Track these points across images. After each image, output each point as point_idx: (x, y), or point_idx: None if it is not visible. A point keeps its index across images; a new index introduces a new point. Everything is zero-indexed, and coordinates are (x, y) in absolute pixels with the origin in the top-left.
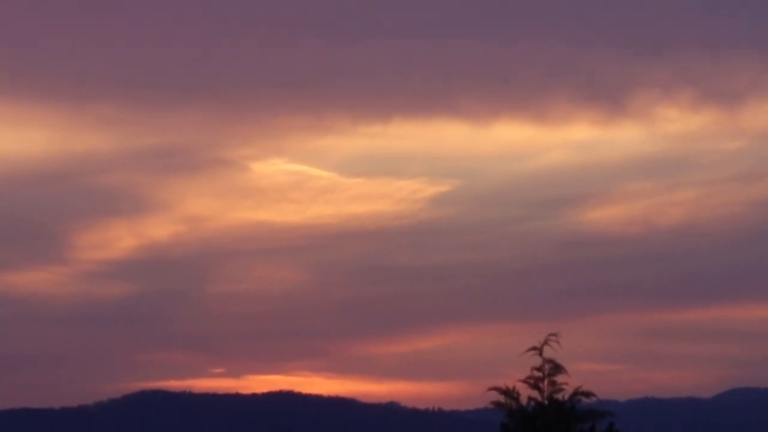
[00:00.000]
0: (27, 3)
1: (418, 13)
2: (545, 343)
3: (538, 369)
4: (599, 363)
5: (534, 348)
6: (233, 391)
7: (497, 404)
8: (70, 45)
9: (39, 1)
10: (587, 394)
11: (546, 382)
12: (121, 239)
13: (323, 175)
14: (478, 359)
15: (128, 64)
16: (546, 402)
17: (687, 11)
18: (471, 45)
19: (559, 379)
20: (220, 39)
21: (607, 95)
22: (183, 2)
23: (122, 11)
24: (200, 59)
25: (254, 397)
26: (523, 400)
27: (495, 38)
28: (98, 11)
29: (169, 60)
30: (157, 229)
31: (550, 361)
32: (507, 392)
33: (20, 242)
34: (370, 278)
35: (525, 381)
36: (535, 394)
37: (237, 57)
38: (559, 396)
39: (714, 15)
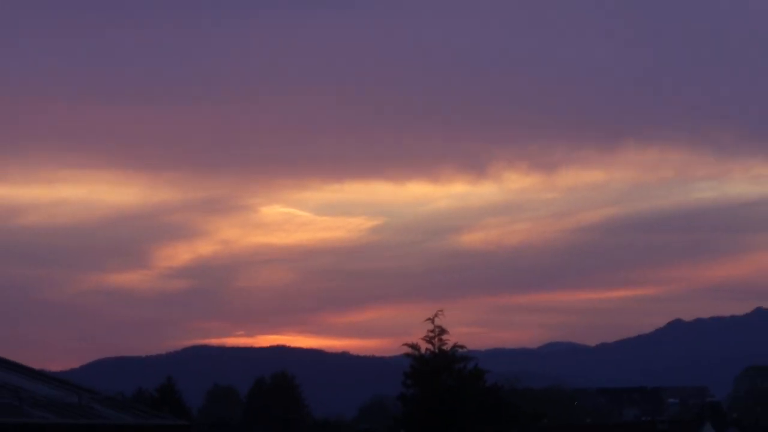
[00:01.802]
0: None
1: (360, 112)
2: (436, 315)
3: (432, 331)
4: (468, 327)
5: (429, 318)
6: (249, 345)
7: (408, 353)
8: (150, 135)
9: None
10: (461, 347)
11: (436, 339)
12: (182, 254)
13: (304, 215)
14: (396, 325)
15: (185, 148)
16: (437, 351)
17: (522, 112)
18: (396, 137)
19: (444, 337)
20: (241, 131)
21: (476, 166)
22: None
23: (179, 114)
24: (229, 145)
25: (261, 349)
26: (423, 351)
27: (408, 130)
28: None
29: (213, 145)
30: (203, 248)
31: (439, 326)
32: (413, 346)
33: (122, 256)
34: (332, 277)
35: (424, 339)
36: (430, 347)
37: (251, 142)
38: (445, 347)
39: (539, 114)
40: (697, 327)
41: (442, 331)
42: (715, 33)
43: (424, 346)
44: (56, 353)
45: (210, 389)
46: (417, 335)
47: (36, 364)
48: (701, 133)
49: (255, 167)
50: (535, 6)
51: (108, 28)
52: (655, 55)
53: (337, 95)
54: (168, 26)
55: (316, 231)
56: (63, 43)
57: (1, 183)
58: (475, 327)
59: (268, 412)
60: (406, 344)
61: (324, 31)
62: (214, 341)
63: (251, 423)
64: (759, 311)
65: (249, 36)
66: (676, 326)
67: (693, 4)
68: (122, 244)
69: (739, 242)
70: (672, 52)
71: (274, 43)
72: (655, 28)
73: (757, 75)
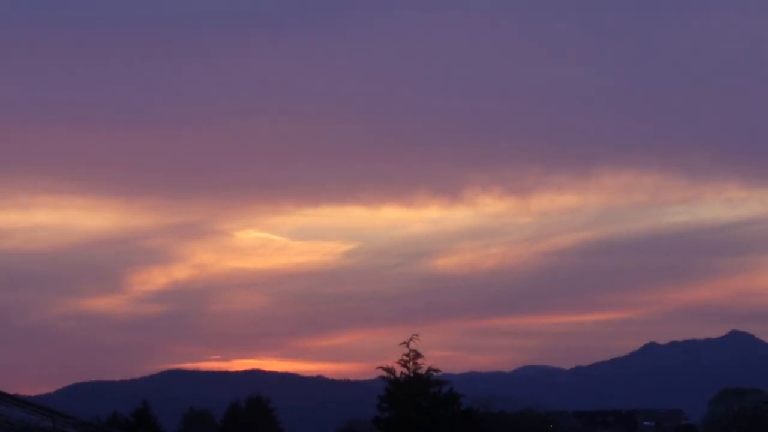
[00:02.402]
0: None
1: (334, 137)
2: (411, 339)
3: (407, 355)
4: (443, 351)
5: (404, 342)
6: (224, 369)
7: (382, 377)
8: (125, 160)
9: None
10: (436, 370)
11: (411, 363)
12: (157, 278)
13: (279, 239)
14: (371, 349)
15: (160, 173)
16: (412, 375)
17: (496, 137)
18: (370, 161)
19: (419, 361)
20: (216, 156)
21: (450, 191)
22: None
23: (154, 139)
24: (205, 169)
25: (236, 373)
26: (398, 374)
27: (382, 154)
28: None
29: (188, 169)
30: (179, 272)
31: (414, 350)
32: (388, 369)
33: (97, 280)
34: (307, 301)
35: (399, 362)
36: (405, 370)
37: (226, 167)
38: (420, 371)
39: (513, 139)
40: (672, 350)
41: (417, 354)
42: (687, 57)
43: (399, 370)
44: (31, 378)
45: (185, 413)
46: (392, 359)
47: (11, 389)
48: (674, 157)
49: (230, 192)
50: (507, 31)
51: (82, 54)
52: (628, 79)
53: (312, 120)
54: (142, 52)
55: (291, 255)
56: (36, 67)
57: None
58: (449, 351)
59: None
60: (381, 368)
61: (299, 57)
62: (190, 365)
63: None
64: (733, 334)
65: (223, 61)
66: (650, 349)
67: (665, 29)
68: (97, 268)
69: (713, 265)
70: (644, 77)
71: (249, 68)
72: (628, 52)
73: (729, 98)
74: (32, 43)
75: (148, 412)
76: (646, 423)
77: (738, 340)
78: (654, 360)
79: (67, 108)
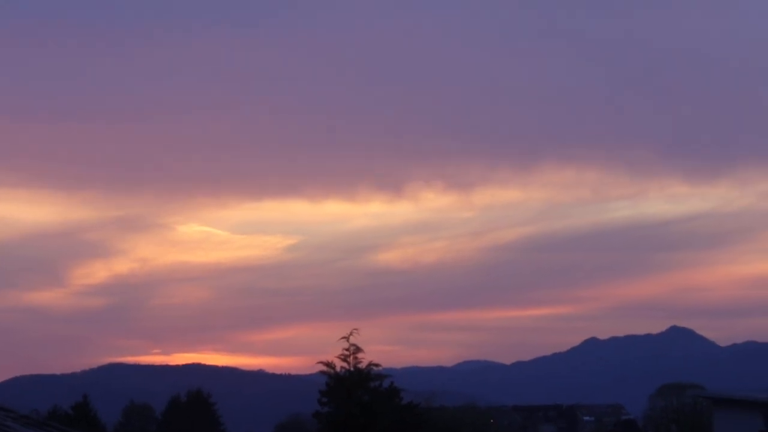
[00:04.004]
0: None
1: (278, 131)
2: (351, 334)
3: (347, 349)
4: (384, 345)
5: (344, 337)
6: (165, 363)
7: (323, 371)
8: (66, 153)
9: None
10: (376, 365)
11: (352, 357)
12: (98, 272)
13: (221, 234)
14: (312, 343)
15: (102, 166)
16: (352, 369)
17: (438, 131)
18: (313, 156)
19: (360, 355)
20: (159, 149)
21: (393, 185)
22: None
23: (96, 132)
24: (147, 163)
25: (177, 367)
26: (338, 368)
27: (325, 149)
28: (79, 130)
29: (130, 162)
30: (120, 266)
31: (354, 345)
32: (328, 364)
33: (37, 273)
34: (248, 295)
35: (339, 357)
36: (345, 365)
37: (170, 162)
38: (360, 366)
39: (456, 133)
40: (612, 345)
41: (357, 349)
42: (630, 52)
43: (339, 365)
44: None
45: (126, 406)
46: (332, 353)
47: None
48: (617, 152)
49: (173, 185)
50: (452, 24)
51: (24, 45)
52: (571, 74)
53: (255, 114)
54: (86, 44)
55: (233, 249)
56: None
57: None
58: (391, 345)
59: (184, 429)
60: (321, 362)
61: (242, 50)
62: (130, 359)
63: None
64: (673, 329)
65: (168, 54)
66: (591, 344)
67: (609, 24)
68: (38, 262)
69: (654, 261)
70: (588, 72)
71: (194, 62)
72: (572, 47)
73: (672, 94)
74: None
75: (88, 406)
76: (586, 418)
77: (678, 336)
78: (594, 355)
79: (7, 99)
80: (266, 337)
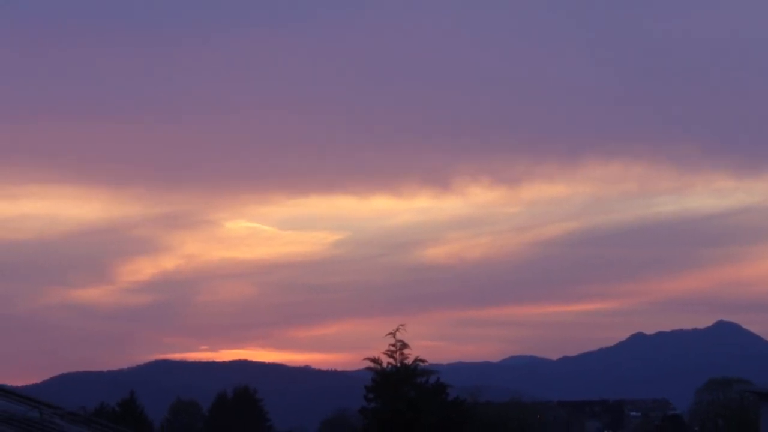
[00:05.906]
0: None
1: (324, 127)
2: (397, 329)
3: (393, 345)
4: (429, 341)
5: (390, 333)
6: (212, 359)
7: (369, 367)
8: (113, 150)
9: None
10: (423, 361)
11: (398, 353)
12: (145, 268)
13: (267, 229)
14: (359, 339)
15: (149, 163)
16: (398, 365)
17: (485, 127)
18: (359, 151)
19: (406, 351)
20: (205, 146)
21: (439, 180)
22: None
23: (143, 129)
24: (193, 160)
25: (224, 363)
26: (385, 364)
27: (372, 144)
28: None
29: (176, 160)
30: (167, 262)
31: (400, 340)
32: (375, 360)
33: (85, 270)
34: (295, 291)
35: (386, 353)
36: (391, 361)
37: (217, 159)
38: (406, 361)
39: (502, 129)
40: (659, 340)
41: (404, 345)
42: (677, 48)
43: (385, 360)
44: (18, 368)
45: (173, 403)
46: (379, 349)
47: None
48: (663, 147)
49: (219, 182)
50: (497, 24)
51: (74, 46)
52: (617, 69)
53: (301, 110)
54: (133, 42)
55: (279, 245)
56: (26, 58)
57: None
58: (437, 341)
59: (231, 425)
60: (368, 358)
61: (285, 49)
62: (177, 356)
63: None
64: (720, 324)
65: (212, 52)
66: (637, 339)
67: (654, 20)
68: (86, 258)
69: (700, 256)
70: (634, 67)
71: (239, 60)
72: (617, 43)
73: (717, 89)
74: (24, 34)
75: (135, 402)
76: (632, 413)
77: (725, 330)
78: (641, 350)
79: (55, 98)
80: (312, 333)
